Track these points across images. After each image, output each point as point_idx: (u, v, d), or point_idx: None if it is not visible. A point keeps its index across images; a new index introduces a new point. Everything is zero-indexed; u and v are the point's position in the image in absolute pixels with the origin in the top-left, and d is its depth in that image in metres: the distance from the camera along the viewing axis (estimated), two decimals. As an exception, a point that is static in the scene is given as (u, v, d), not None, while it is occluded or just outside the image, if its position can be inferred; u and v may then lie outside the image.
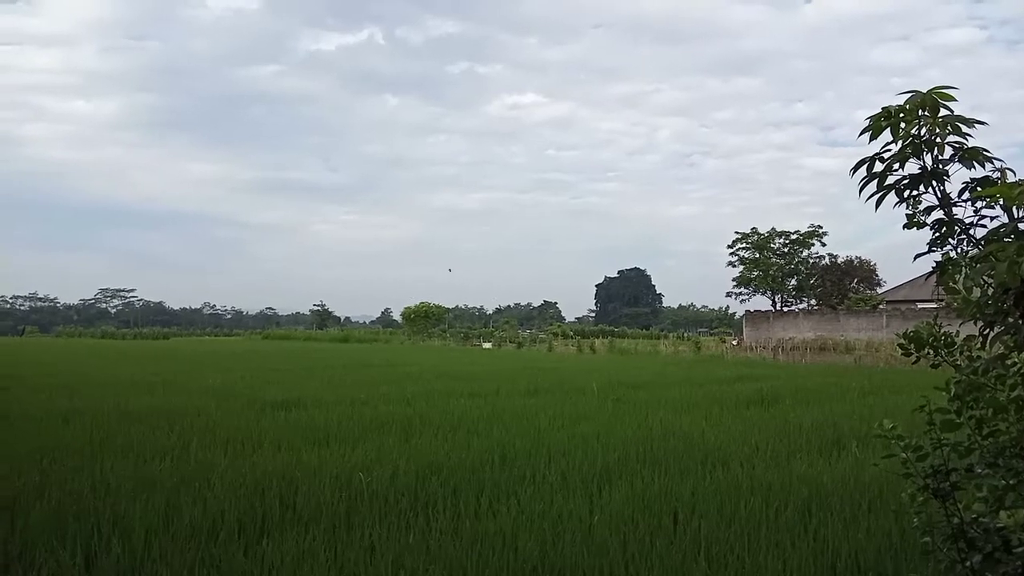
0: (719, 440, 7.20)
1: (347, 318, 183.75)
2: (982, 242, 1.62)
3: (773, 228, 64.09)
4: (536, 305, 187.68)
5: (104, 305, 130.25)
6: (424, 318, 69.47)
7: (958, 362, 1.76)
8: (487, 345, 48.73)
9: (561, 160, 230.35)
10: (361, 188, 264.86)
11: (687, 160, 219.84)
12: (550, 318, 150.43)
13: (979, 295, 1.63)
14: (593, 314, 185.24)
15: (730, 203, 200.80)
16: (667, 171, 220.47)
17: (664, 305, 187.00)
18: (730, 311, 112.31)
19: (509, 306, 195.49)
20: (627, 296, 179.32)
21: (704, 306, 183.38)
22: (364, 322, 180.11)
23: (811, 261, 61.10)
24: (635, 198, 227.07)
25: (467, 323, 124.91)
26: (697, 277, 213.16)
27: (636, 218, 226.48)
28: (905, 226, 1.78)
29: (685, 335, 77.93)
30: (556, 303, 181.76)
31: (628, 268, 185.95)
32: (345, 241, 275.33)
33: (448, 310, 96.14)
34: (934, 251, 1.76)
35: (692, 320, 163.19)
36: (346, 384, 13.77)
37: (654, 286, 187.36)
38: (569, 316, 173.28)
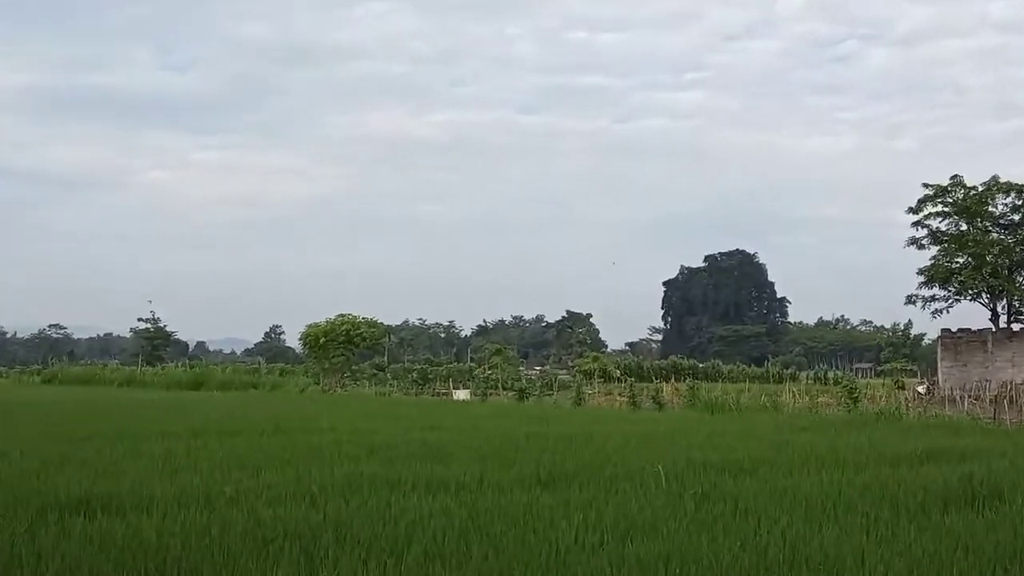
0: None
1: (202, 344, 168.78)
2: None
3: (994, 178, 48.52)
4: (553, 321, 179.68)
5: None
6: (343, 346, 53.57)
7: None
8: (462, 394, 44.02)
9: (597, 49, 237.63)
10: (231, 103, 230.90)
11: (833, 50, 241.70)
12: (579, 344, 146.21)
13: None
14: (659, 336, 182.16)
15: (911, 130, 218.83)
16: (794, 72, 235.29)
17: (790, 320, 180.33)
18: (912, 330, 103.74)
19: (503, 323, 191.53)
20: (722, 304, 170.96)
21: (865, 322, 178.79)
22: (234, 351, 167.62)
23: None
24: (733, 122, 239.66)
25: (426, 354, 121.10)
26: (849, 268, 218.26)
27: (736, 160, 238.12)
28: None
29: (829, 374, 72.13)
30: (590, 317, 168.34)
31: (723, 252, 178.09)
32: (202, 202, 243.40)
33: (389, 331, 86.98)
34: None
35: (841, 346, 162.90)
36: (198, 466, 11.38)
37: (771, 284, 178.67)
38: (615, 340, 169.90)
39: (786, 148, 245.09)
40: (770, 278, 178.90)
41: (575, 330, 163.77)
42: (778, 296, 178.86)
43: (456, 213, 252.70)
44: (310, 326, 53.80)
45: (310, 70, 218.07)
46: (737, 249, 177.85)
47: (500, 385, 47.25)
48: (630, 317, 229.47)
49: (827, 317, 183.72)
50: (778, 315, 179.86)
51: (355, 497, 8.92)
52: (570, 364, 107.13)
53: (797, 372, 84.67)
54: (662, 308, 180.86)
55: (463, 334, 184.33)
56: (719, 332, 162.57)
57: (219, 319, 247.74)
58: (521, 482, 10.04)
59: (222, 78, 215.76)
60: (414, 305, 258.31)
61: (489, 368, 70.72)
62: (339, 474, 10.42)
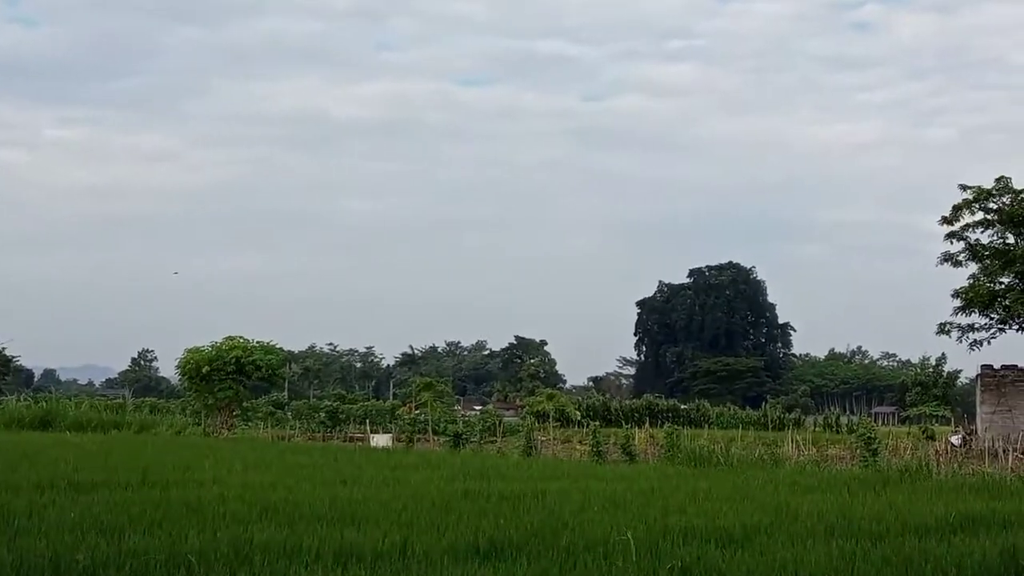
0: None
1: (51, 373, 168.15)
2: None
3: (1045, 179, 51.38)
4: (498, 349, 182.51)
5: None
6: (232, 377, 53.09)
7: None
8: (382, 440, 44.01)
9: (562, 9, 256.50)
10: (94, 67, 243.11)
11: (850, 15, 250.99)
12: (531, 379, 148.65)
13: None
14: (632, 370, 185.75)
15: (948, 118, 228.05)
16: (805, 41, 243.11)
17: (795, 352, 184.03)
18: (945, 367, 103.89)
19: (435, 350, 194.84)
20: (710, 330, 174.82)
21: (888, 355, 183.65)
22: (92, 382, 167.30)
23: None
24: (729, 103, 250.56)
25: (337, 388, 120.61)
26: (869, 288, 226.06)
27: (732, 150, 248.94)
28: None
29: (842, 419, 75.43)
30: (545, 344, 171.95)
31: (713, 266, 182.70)
32: (54, 192, 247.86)
33: (291, 359, 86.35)
34: None
35: (857, 385, 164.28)
36: (44, 528, 11.09)
37: (771, 307, 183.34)
38: (576, 374, 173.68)
39: (794, 137, 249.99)
40: (770, 299, 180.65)
41: (526, 361, 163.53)
42: (780, 322, 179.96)
43: (380, 211, 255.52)
44: (190, 351, 53.61)
45: (194, 27, 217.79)
46: (730, 262, 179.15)
47: (430, 428, 47.57)
48: (595, 345, 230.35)
49: (840, 349, 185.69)
50: (779, 345, 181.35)
51: (243, 569, 8.91)
52: (519, 403, 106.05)
53: (802, 417, 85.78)
54: (636, 334, 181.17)
55: (384, 364, 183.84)
56: (706, 366, 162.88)
57: (73, 341, 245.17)
58: (455, 552, 10.07)
59: (83, 36, 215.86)
60: (323, 327, 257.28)
61: (417, 407, 70.71)
62: (223, 539, 10.39)
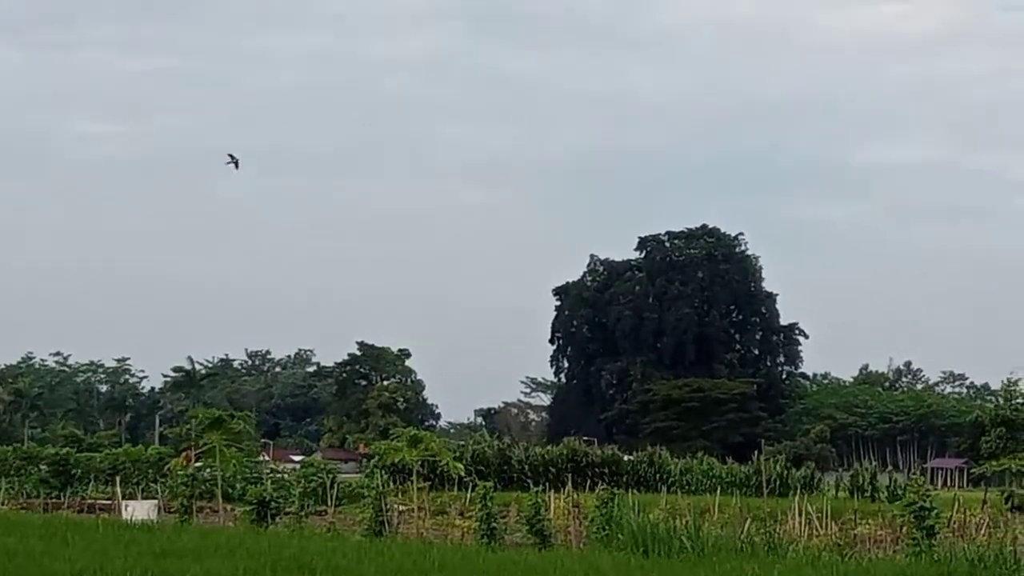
0: None
1: None
2: None
3: None
4: (331, 365, 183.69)
5: None
6: None
7: None
8: (141, 510, 44.34)
9: None
10: None
11: None
12: (384, 410, 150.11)
13: None
14: (546, 396, 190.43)
15: None
16: None
17: (805, 370, 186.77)
18: None
19: (230, 364, 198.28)
20: (674, 333, 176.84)
21: (953, 378, 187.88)
22: None
23: None
24: None
25: (71, 422, 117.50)
26: (926, 274, 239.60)
27: (707, 47, 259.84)
28: None
29: (879, 476, 76.60)
30: (406, 357, 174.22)
31: (678, 233, 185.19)
32: None
33: None
34: None
35: (904, 422, 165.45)
36: None
37: (769, 299, 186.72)
38: (456, 405, 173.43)
39: (809, 25, 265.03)
40: (768, 285, 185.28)
41: (375, 382, 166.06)
42: (782, 322, 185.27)
43: (129, 138, 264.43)
44: None
45: None
46: (704, 227, 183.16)
47: (220, 491, 47.66)
48: (488, 360, 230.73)
49: (878, 366, 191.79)
50: (781, 360, 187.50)
51: None
52: (363, 450, 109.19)
53: (817, 474, 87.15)
54: (553, 341, 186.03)
55: (146, 387, 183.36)
56: (665, 391, 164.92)
57: None
58: None
59: None
60: (46, 330, 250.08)
61: (198, 456, 69.94)
62: None
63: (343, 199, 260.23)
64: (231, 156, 66.55)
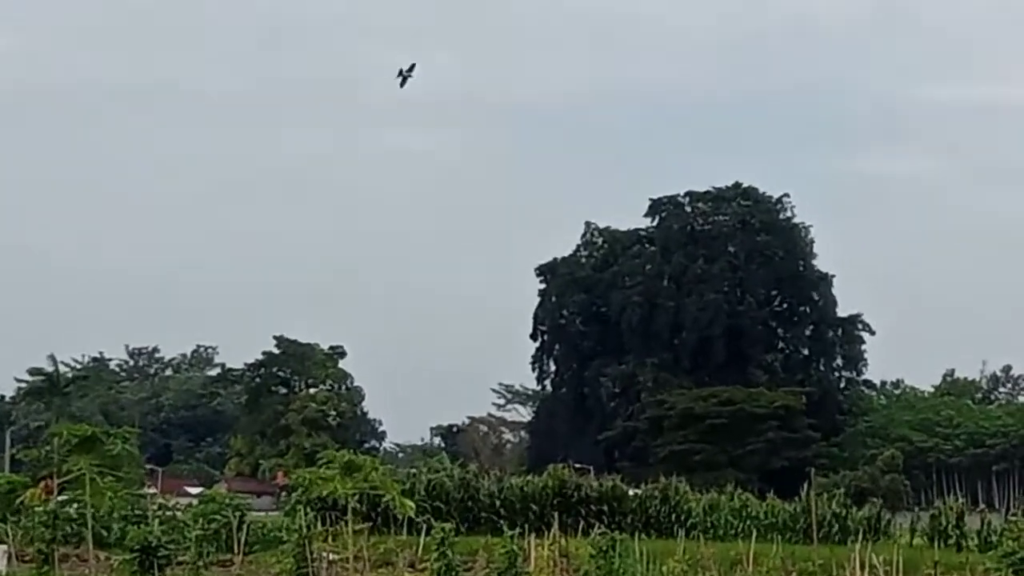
0: None
1: None
2: None
3: None
4: (240, 367, 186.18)
5: None
6: None
7: None
8: None
9: None
10: None
11: None
12: (311, 427, 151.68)
13: None
14: (528, 410, 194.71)
15: None
16: None
17: (871, 376, 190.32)
18: None
19: (105, 366, 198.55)
20: (695, 326, 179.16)
21: None
22: None
23: None
24: None
25: None
26: None
27: None
28: None
29: (967, 517, 77.55)
30: (340, 356, 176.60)
31: (701, 193, 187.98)
32: None
33: None
34: None
35: (1003, 446, 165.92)
36: None
37: (823, 282, 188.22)
38: (408, 424, 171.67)
39: None
40: (822, 264, 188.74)
41: (299, 391, 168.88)
42: (841, 313, 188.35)
43: None
44: None
45: None
46: (736, 186, 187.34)
47: (90, 534, 47.62)
48: (450, 363, 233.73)
49: (967, 373, 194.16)
50: (839, 363, 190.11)
51: None
52: (282, 481, 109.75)
53: (886, 512, 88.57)
54: (535, 336, 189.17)
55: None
56: (683, 404, 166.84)
57: None
58: None
59: None
60: None
61: (62, 487, 69.63)
62: None
63: (253, 151, 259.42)
64: (406, 71, 65.74)
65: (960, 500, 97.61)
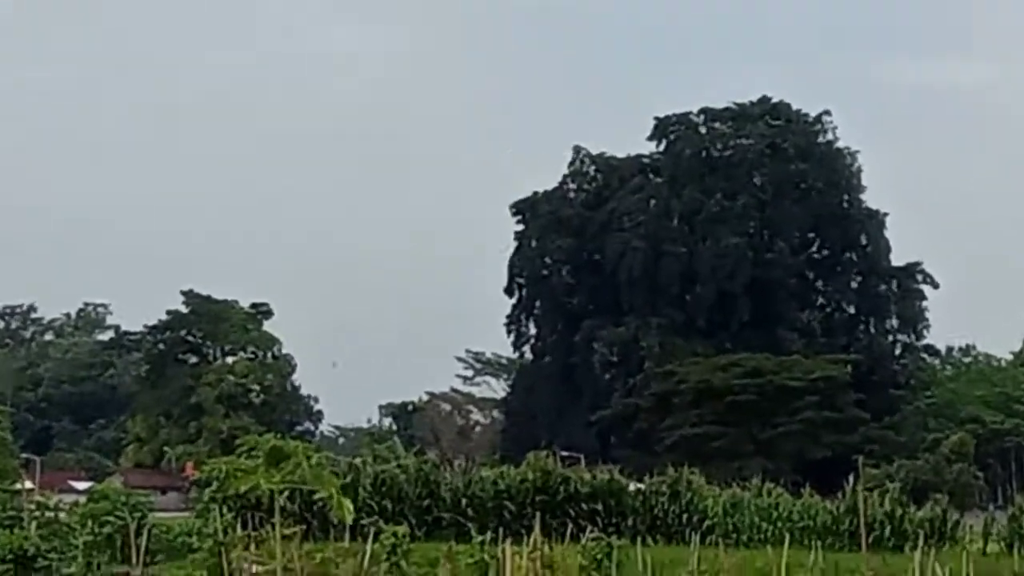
0: None
1: None
2: None
3: None
4: (138, 330, 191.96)
5: None
6: None
7: None
8: None
9: None
10: None
11: None
12: (228, 406, 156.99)
13: None
14: (503, 384, 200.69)
15: None
16: None
17: (932, 341, 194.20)
18: None
19: None
20: (712, 275, 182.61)
21: None
22: None
23: None
24: None
25: None
26: None
27: None
28: None
29: None
30: (266, 317, 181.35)
31: (717, 110, 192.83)
32: None
33: None
34: None
35: None
36: None
37: (874, 221, 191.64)
38: (352, 403, 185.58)
39: None
40: (871, 199, 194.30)
41: (214, 359, 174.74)
42: (896, 262, 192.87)
43: None
44: None
45: None
46: (764, 100, 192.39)
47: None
48: (402, 325, 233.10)
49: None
50: (894, 322, 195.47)
51: None
52: (191, 473, 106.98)
53: (954, 511, 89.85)
54: (511, 291, 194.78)
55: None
56: (697, 375, 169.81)
57: None
58: None
59: None
60: None
61: None
62: None
63: (152, 69, 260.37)
64: None
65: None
